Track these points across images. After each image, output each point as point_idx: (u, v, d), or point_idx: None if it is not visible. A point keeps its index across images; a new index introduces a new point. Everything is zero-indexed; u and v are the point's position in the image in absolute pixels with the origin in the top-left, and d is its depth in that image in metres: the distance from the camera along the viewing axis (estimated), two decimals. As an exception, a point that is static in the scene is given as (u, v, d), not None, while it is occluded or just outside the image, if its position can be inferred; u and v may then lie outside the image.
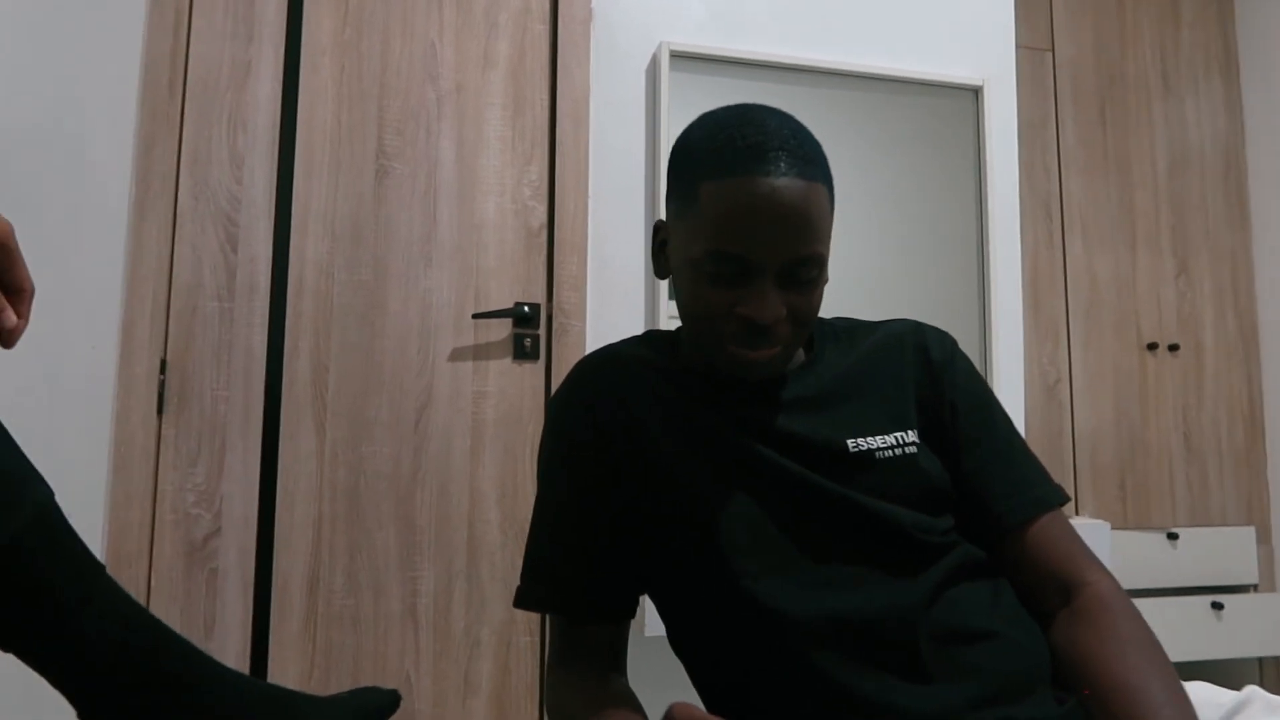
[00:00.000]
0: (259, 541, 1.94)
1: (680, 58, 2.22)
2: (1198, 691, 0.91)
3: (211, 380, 1.95)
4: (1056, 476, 3.29)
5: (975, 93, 2.37)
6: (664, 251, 0.99)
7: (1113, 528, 3.30)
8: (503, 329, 2.10)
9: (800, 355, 1.02)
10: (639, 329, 2.14)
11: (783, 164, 0.86)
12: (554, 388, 2.08)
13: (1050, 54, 3.46)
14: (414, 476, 2.03)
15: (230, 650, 1.90)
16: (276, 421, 1.97)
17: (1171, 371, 3.44)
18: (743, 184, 0.85)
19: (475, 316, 2.07)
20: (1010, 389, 2.35)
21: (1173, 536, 3.33)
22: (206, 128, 1.99)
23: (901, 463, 0.92)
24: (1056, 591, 0.92)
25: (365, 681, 1.96)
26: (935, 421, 0.97)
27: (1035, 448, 3.26)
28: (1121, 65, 3.53)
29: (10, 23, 1.90)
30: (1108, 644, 0.84)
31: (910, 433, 0.95)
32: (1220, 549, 3.39)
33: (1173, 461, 3.40)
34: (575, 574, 0.97)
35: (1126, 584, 3.25)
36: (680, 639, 0.97)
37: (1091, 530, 2.02)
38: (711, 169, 0.88)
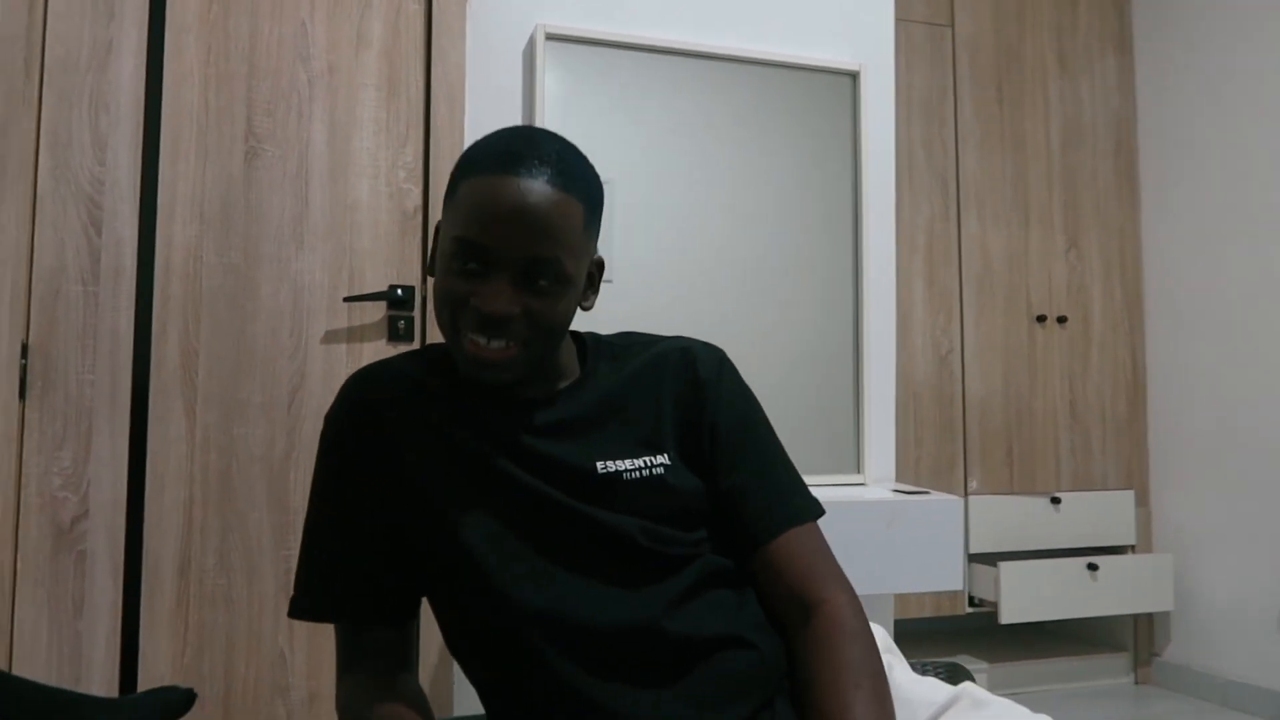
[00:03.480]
0: (128, 524, 1.96)
1: (556, 40, 2.23)
2: (918, 689, 0.98)
3: (76, 364, 1.95)
4: (947, 444, 3.41)
5: (853, 77, 2.42)
6: (436, 243, 1.02)
7: (999, 493, 3.44)
8: (377, 311, 2.12)
9: (575, 371, 1.06)
10: (514, 311, 2.17)
11: (535, 170, 0.91)
12: (428, 370, 2.11)
13: (950, 30, 3.52)
14: (287, 458, 2.05)
15: (100, 631, 1.93)
16: (145, 405, 1.98)
17: (1059, 343, 3.57)
18: (495, 180, 0.91)
19: (348, 299, 2.09)
20: (880, 381, 2.43)
21: (1055, 501, 3.48)
22: (66, 109, 1.97)
23: (649, 483, 0.97)
24: (797, 609, 0.97)
25: (239, 660, 2.00)
26: (694, 441, 1.02)
27: (927, 416, 3.38)
28: (1019, 43, 3.60)
29: None
30: (825, 669, 0.90)
31: (660, 455, 1.00)
32: (1101, 512, 3.56)
33: (1058, 429, 3.54)
34: (348, 581, 1.00)
35: (1010, 547, 3.39)
36: (452, 644, 1.03)
37: (942, 504, 2.12)
38: (474, 168, 0.94)
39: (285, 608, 2.01)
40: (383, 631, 1.01)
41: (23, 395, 1.91)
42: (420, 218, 2.16)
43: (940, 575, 2.17)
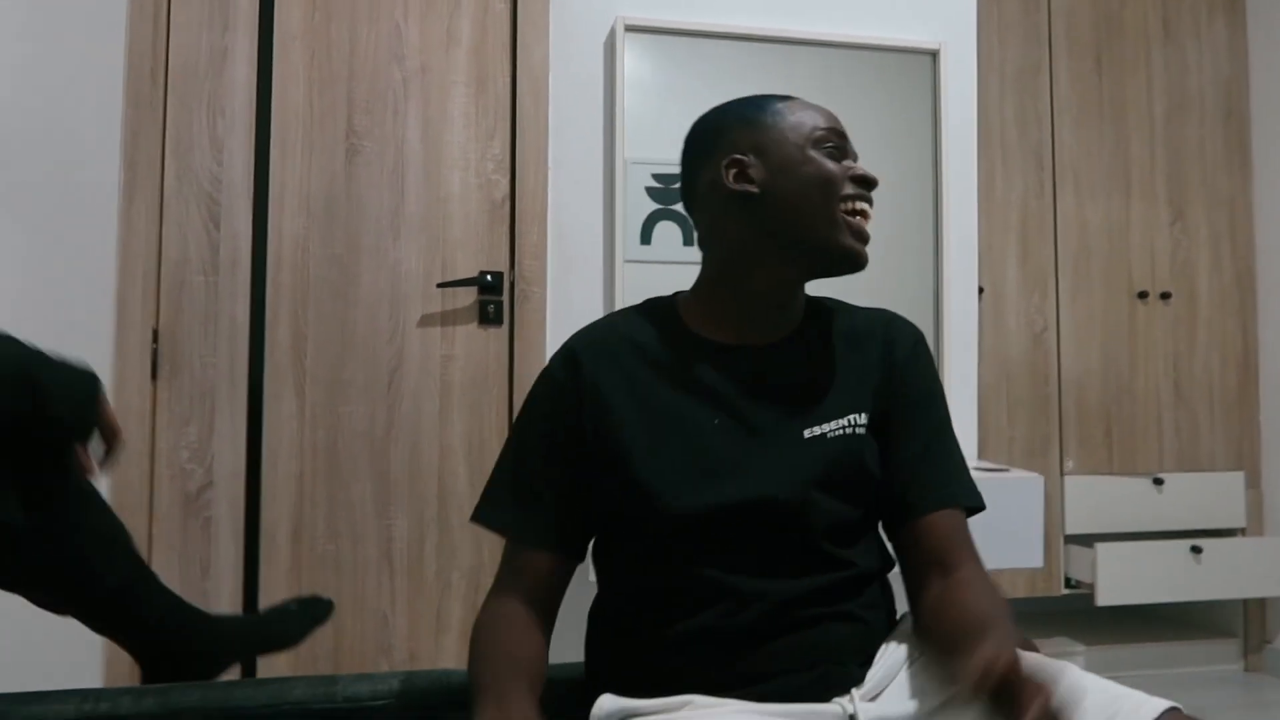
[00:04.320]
0: (247, 493, 2.14)
1: (636, 31, 2.30)
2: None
3: (200, 348, 2.13)
4: (1041, 424, 3.36)
5: (932, 56, 2.42)
6: (745, 176, 1.10)
7: (1097, 473, 3.37)
8: (468, 296, 2.24)
9: (797, 321, 1.15)
10: (596, 294, 2.27)
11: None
12: (517, 350, 2.23)
13: (1045, 1, 3.44)
14: (387, 434, 2.20)
15: (225, 591, 2.12)
16: (260, 385, 2.15)
17: (1163, 319, 3.46)
18: (799, 100, 1.15)
19: (440, 285, 2.22)
20: (960, 359, 2.44)
21: (1158, 482, 3.39)
22: (188, 113, 2.15)
23: (847, 441, 1.07)
24: (936, 574, 1.05)
25: (346, 621, 2.16)
26: (885, 408, 1.11)
27: (1021, 396, 3.34)
28: (1120, 10, 3.49)
29: (3, 23, 2.06)
30: (961, 608, 0.98)
31: (861, 415, 1.08)
32: (1208, 494, 3.45)
33: (1160, 408, 3.44)
34: (531, 502, 1.09)
35: (1109, 528, 3.33)
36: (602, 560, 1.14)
37: (1023, 482, 2.13)
38: (771, 99, 1.15)
39: (386, 574, 2.17)
40: (545, 560, 1.09)
41: (154, 376, 2.11)
42: (508, 207, 2.27)
43: (1021, 553, 2.18)
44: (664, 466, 1.05)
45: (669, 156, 2.32)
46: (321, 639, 2.14)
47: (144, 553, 2.07)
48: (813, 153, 1.09)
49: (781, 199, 1.08)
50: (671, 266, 2.30)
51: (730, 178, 1.10)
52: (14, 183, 2.06)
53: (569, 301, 2.25)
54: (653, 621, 1.05)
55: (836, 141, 1.10)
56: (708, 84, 2.35)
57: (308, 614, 1.28)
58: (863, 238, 1.10)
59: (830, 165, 1.09)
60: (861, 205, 1.09)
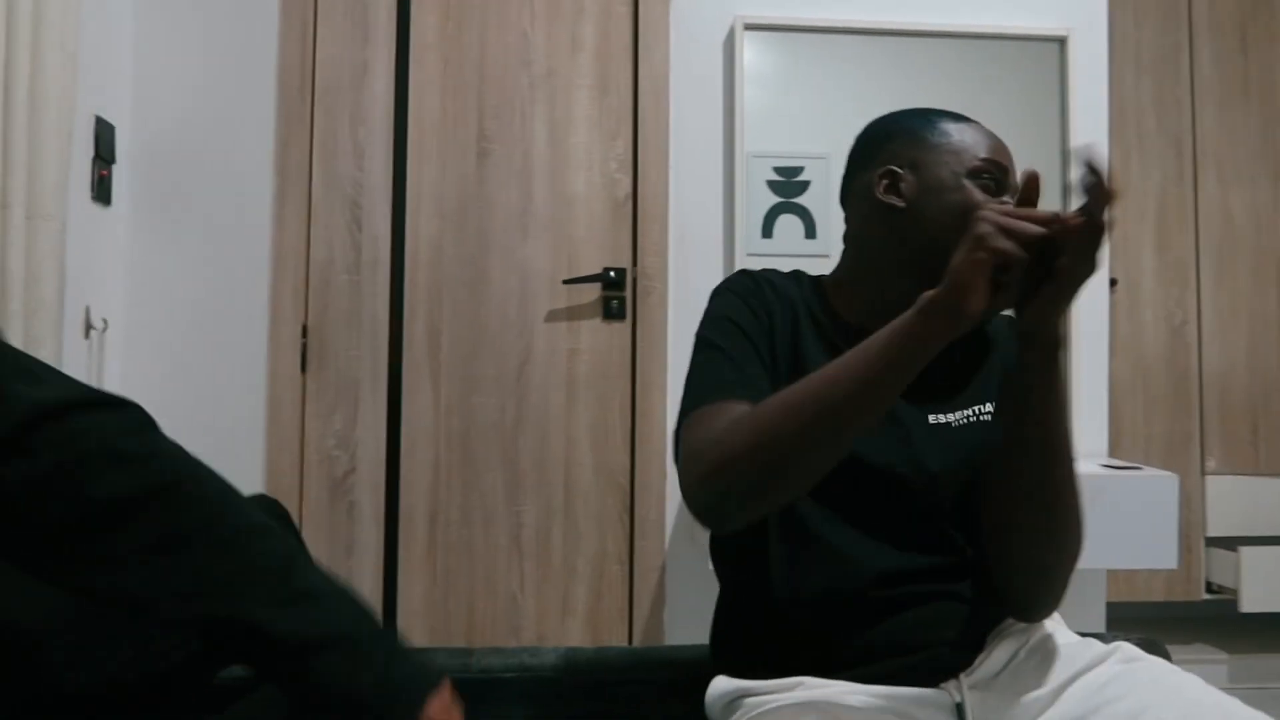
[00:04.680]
0: (387, 479, 2.27)
1: (755, 29, 2.33)
2: (1073, 648, 1.04)
3: (344, 343, 2.28)
4: (1181, 421, 3.23)
5: (1060, 43, 2.36)
6: (895, 189, 1.12)
7: (1242, 473, 3.22)
8: (592, 292, 2.32)
9: None
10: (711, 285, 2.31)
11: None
12: (639, 344, 2.30)
13: (1185, -21, 3.29)
14: (516, 425, 2.30)
15: (367, 570, 2.25)
16: (399, 377, 2.28)
17: (1317, 310, 3.27)
18: (974, 125, 1.13)
19: (566, 282, 2.30)
20: (1090, 353, 2.38)
21: (1311, 483, 3.21)
22: (332, 124, 2.30)
23: (972, 429, 1.09)
24: None
25: (479, 601, 2.27)
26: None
27: (1159, 392, 3.22)
28: (1268, -15, 3.31)
29: (167, 47, 2.25)
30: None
31: (988, 405, 1.10)
32: (1367, 496, 3.24)
33: (1313, 405, 3.25)
34: (747, 376, 1.06)
35: (1256, 531, 3.18)
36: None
37: (1156, 481, 2.06)
38: (946, 116, 1.13)
39: (516, 558, 2.27)
40: None
41: (304, 369, 2.26)
42: (630, 205, 2.33)
43: (1155, 554, 2.12)
44: None
45: (790, 149, 2.37)
46: (456, 618, 2.26)
47: (295, 533, 2.23)
48: (966, 181, 1.07)
49: (924, 219, 1.08)
50: (793, 260, 2.30)
51: (881, 187, 1.12)
52: (183, 192, 2.25)
53: (689, 296, 2.31)
54: (769, 588, 1.08)
55: (995, 174, 1.08)
56: (829, 77, 2.37)
57: None
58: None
59: (979, 198, 1.06)
60: None
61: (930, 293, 0.89)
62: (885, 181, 1.11)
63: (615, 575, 2.30)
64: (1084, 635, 1.10)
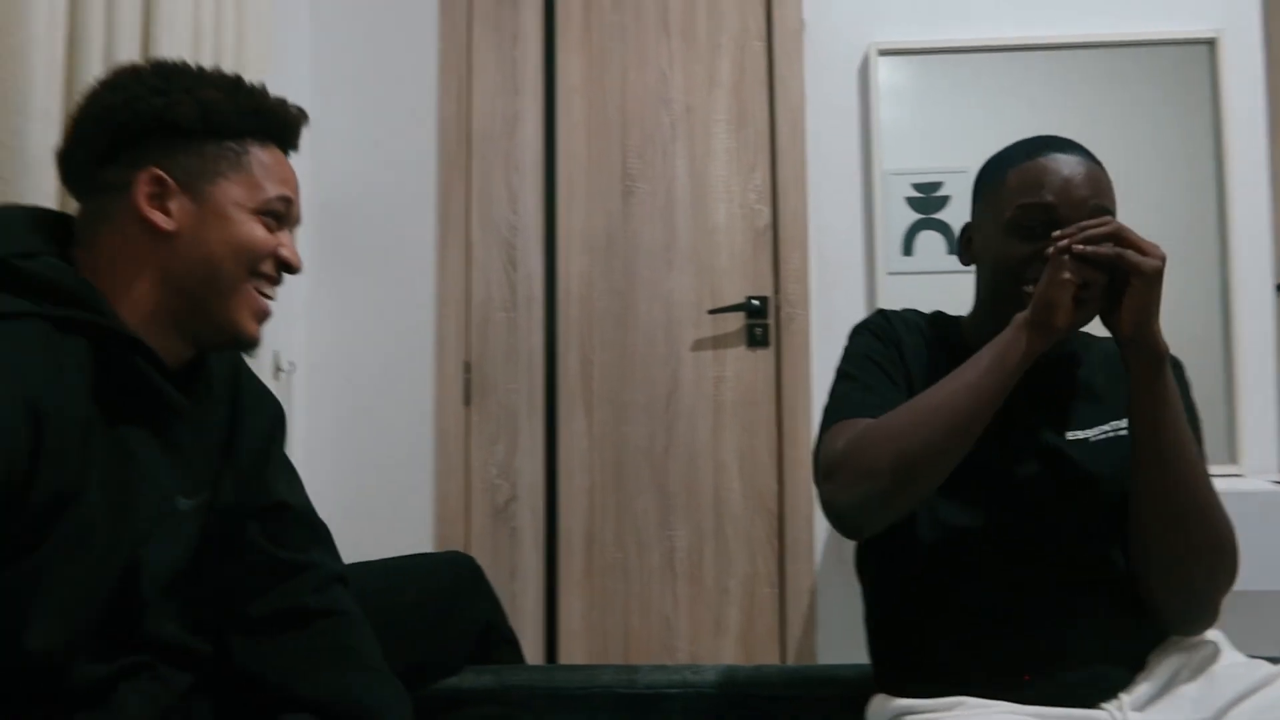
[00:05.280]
0: (546, 505, 2.39)
1: (889, 54, 2.36)
2: (1240, 668, 1.02)
3: (503, 376, 2.42)
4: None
5: (1209, 45, 2.29)
6: (969, 246, 1.21)
7: None
8: (736, 321, 2.39)
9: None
10: (859, 313, 2.34)
11: (1071, 146, 1.13)
12: (784, 370, 2.35)
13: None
14: (666, 451, 2.38)
15: (529, 592, 2.37)
16: (555, 408, 2.41)
17: None
18: (1043, 159, 1.11)
19: (711, 311, 2.38)
20: (1254, 361, 2.28)
21: None
22: (487, 170, 2.45)
23: (1110, 445, 1.11)
24: None
25: (634, 622, 2.36)
26: None
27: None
28: None
29: (340, 109, 2.46)
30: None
31: (1124, 422, 1.11)
32: None
33: None
34: (879, 396, 1.15)
35: None
36: (869, 560, 1.21)
37: None
38: (1016, 159, 1.14)
39: (669, 580, 2.34)
40: None
41: (467, 403, 2.41)
42: (770, 234, 2.39)
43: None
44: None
45: (928, 165, 2.37)
46: (613, 638, 2.35)
47: (463, 556, 2.37)
48: (1005, 237, 1.10)
49: (985, 275, 1.18)
50: (935, 277, 2.32)
51: (963, 244, 1.22)
52: (354, 240, 2.45)
53: (832, 321, 2.34)
54: (923, 605, 1.11)
55: (1031, 220, 1.08)
56: (965, 94, 2.37)
57: None
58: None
59: (1015, 252, 1.08)
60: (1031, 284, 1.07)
61: (1022, 313, 1.02)
62: (965, 238, 1.21)
63: (766, 597, 2.35)
64: (1252, 658, 1.09)
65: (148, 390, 0.92)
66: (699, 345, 2.40)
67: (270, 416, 1.15)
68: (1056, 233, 1.01)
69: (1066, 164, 1.09)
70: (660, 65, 2.45)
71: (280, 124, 1.03)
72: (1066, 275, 0.98)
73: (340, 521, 2.44)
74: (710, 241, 2.41)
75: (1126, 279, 0.98)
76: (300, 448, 2.36)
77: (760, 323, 2.38)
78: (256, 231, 0.98)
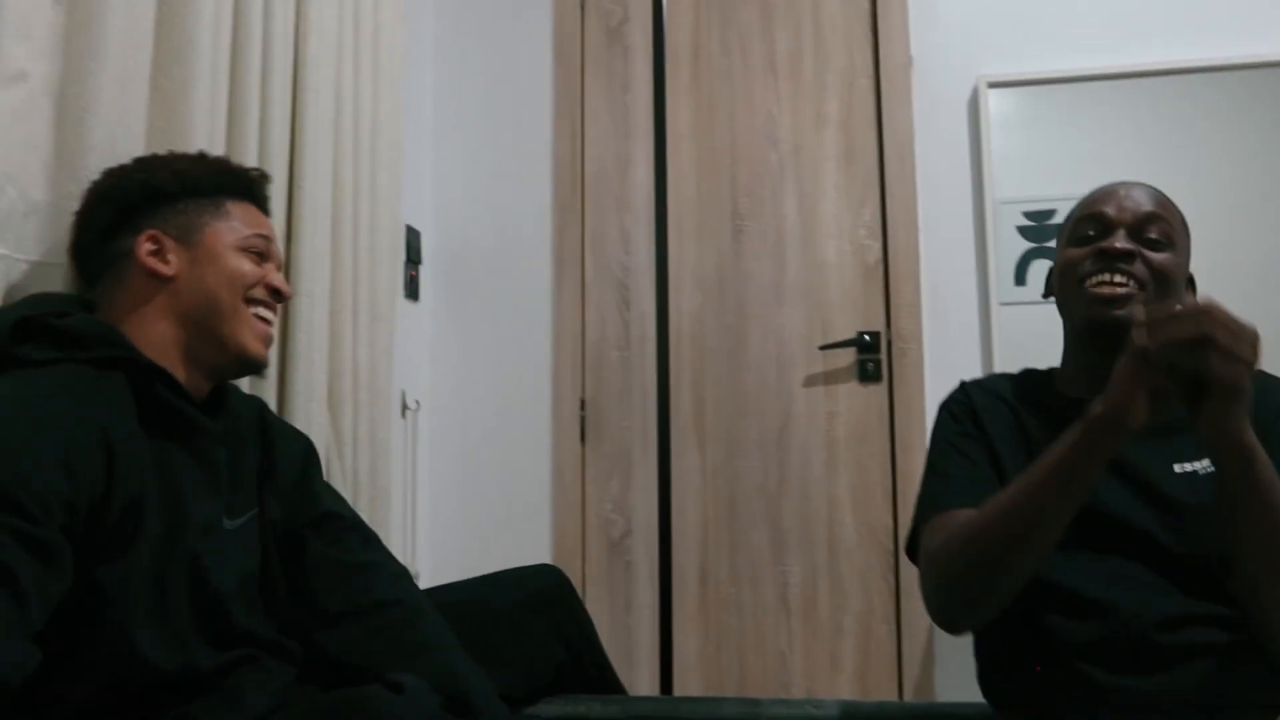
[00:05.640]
0: (660, 540, 2.43)
1: (999, 87, 2.35)
2: None
3: (617, 413, 2.47)
4: None
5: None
6: (1050, 285, 1.28)
7: None
8: (847, 356, 2.40)
9: None
10: (974, 346, 2.32)
11: (1137, 180, 1.21)
12: (897, 405, 2.35)
13: None
14: (779, 486, 2.40)
15: (644, 626, 2.41)
16: (668, 444, 2.45)
17: None
18: (1105, 186, 1.21)
19: (822, 347, 2.39)
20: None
21: None
22: (601, 212, 2.53)
23: (1209, 479, 1.09)
24: None
25: (749, 657, 2.37)
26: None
27: None
28: None
29: (460, 158, 2.57)
30: None
31: None
32: None
33: None
34: (960, 479, 1.18)
35: None
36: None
37: None
38: (1094, 192, 1.22)
39: (783, 616, 2.35)
40: None
41: (583, 440, 2.48)
42: (881, 269, 2.40)
43: None
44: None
45: (1040, 193, 2.34)
46: (728, 672, 2.36)
47: (580, 592, 2.42)
48: (1071, 240, 1.18)
49: (1062, 309, 1.24)
50: (1048, 306, 2.26)
51: (1047, 280, 1.28)
52: (475, 285, 2.55)
53: (946, 356, 2.33)
54: (1042, 641, 1.10)
55: (1086, 229, 1.16)
56: (1077, 122, 2.34)
57: None
58: (1105, 303, 1.13)
59: (1076, 252, 1.16)
60: (1100, 276, 1.13)
61: (1095, 406, 0.97)
62: (1048, 277, 1.28)
63: (883, 634, 2.33)
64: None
65: (178, 416, 1.05)
66: (810, 381, 2.41)
67: (301, 447, 1.28)
68: (1136, 329, 0.96)
69: (1124, 185, 1.18)
70: (768, 106, 2.49)
71: (246, 181, 1.20)
72: (1140, 372, 0.94)
73: (460, 554, 2.53)
74: (820, 277, 2.43)
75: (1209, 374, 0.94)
76: (424, 483, 2.46)
77: (872, 358, 2.38)
78: (244, 264, 1.14)
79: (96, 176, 1.16)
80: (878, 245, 2.41)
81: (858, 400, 2.39)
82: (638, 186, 2.53)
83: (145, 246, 1.10)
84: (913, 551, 1.22)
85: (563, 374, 2.48)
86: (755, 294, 2.45)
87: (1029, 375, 1.29)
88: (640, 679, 2.39)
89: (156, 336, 1.09)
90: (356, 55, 1.80)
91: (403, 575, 1.27)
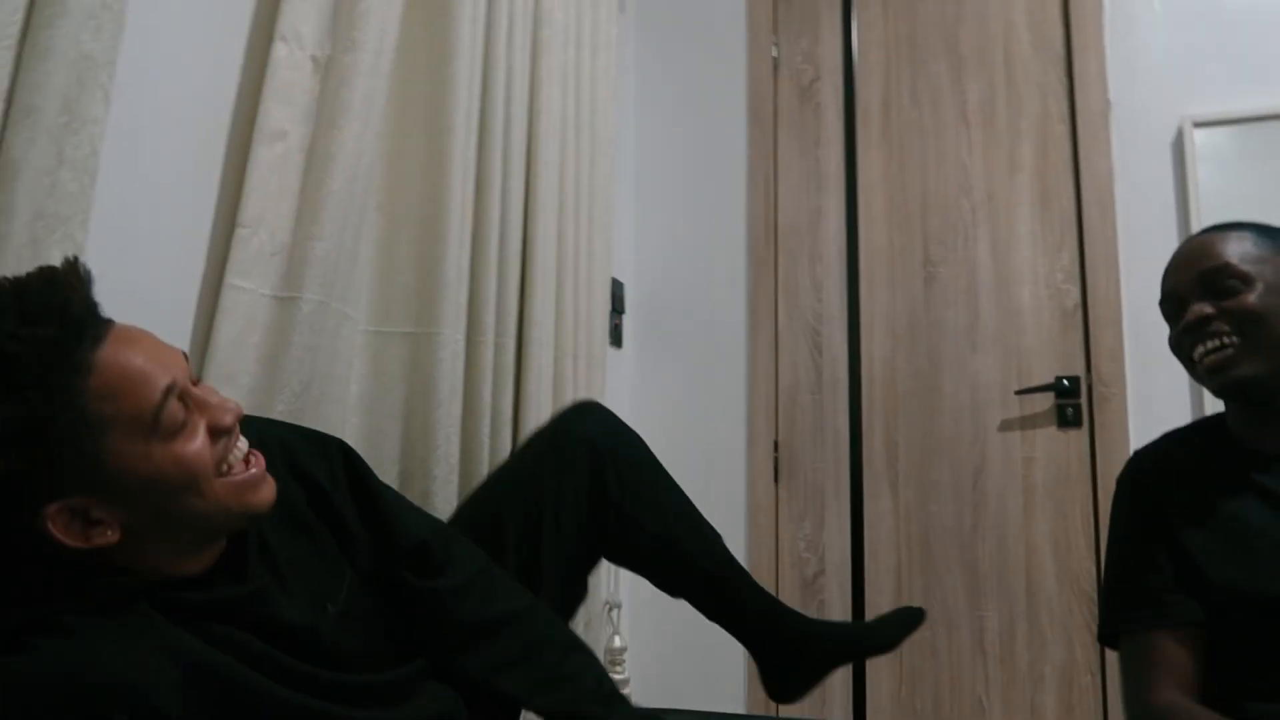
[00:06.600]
0: (853, 580, 2.48)
1: (1206, 126, 2.31)
2: None
3: (810, 455, 2.55)
4: None
5: None
6: None
7: None
8: (1045, 401, 2.39)
9: None
10: (1182, 390, 2.27)
11: (1206, 227, 1.22)
12: (1098, 451, 2.32)
13: None
14: (974, 530, 2.40)
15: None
16: (860, 487, 2.50)
17: None
18: (1175, 252, 1.22)
19: (1018, 392, 2.39)
20: None
21: None
22: (793, 263, 2.64)
23: None
24: None
25: (944, 702, 2.37)
26: None
27: None
28: None
29: (661, 212, 2.75)
30: None
31: None
32: None
33: None
34: (1143, 588, 1.19)
35: None
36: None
37: None
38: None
39: (980, 661, 2.34)
40: (1175, 649, 1.14)
41: (776, 480, 2.57)
42: (1080, 314, 2.38)
43: None
44: (1226, 557, 1.12)
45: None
46: (924, 718, 2.37)
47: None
48: (1166, 323, 1.21)
49: None
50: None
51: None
52: (672, 328, 2.71)
53: (1151, 400, 2.28)
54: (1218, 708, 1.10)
55: (1171, 309, 1.18)
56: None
57: (902, 621, 1.39)
58: (1212, 372, 1.13)
59: (1171, 335, 1.19)
60: (1197, 349, 1.13)
61: None
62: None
63: (1087, 686, 2.28)
64: None
65: (223, 607, 0.90)
66: (1006, 425, 2.41)
67: (331, 455, 1.11)
68: None
69: (1186, 244, 1.20)
70: (960, 155, 2.54)
71: (75, 320, 0.79)
72: None
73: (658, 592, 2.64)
74: (1015, 323, 2.44)
75: None
76: (626, 519, 2.61)
77: (1071, 402, 2.36)
78: (185, 451, 0.83)
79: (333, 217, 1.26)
80: (1076, 289, 2.40)
81: (1057, 445, 2.37)
82: (829, 238, 2.62)
83: (58, 527, 0.78)
84: (1103, 636, 1.24)
85: (757, 416, 2.59)
86: (948, 339, 2.48)
87: (1204, 424, 1.26)
88: None
89: (163, 564, 0.87)
90: (578, 129, 2.00)
91: (485, 572, 1.20)
